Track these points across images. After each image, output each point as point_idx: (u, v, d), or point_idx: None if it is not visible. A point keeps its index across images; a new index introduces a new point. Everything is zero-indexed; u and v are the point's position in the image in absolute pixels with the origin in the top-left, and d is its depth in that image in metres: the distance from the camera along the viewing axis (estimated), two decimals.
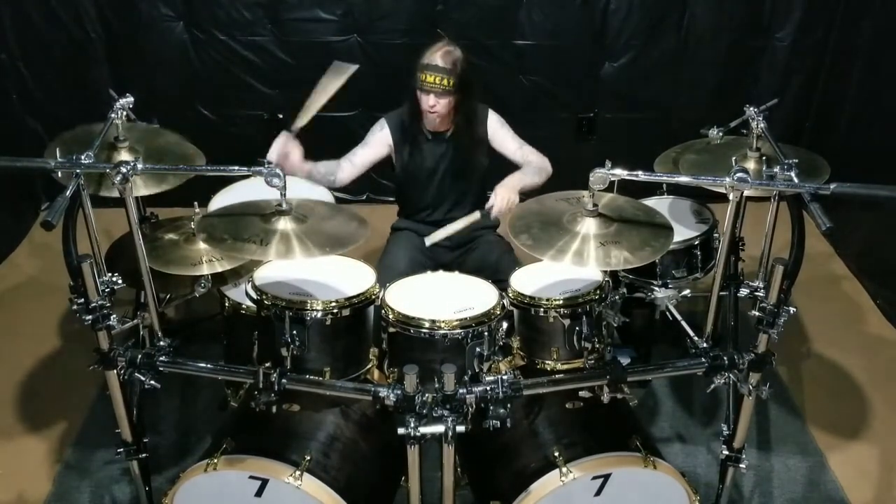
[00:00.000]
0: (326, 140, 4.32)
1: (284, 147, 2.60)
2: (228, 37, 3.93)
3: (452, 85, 2.60)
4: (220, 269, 2.49)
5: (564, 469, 1.96)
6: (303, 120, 2.55)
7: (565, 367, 2.19)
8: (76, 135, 2.46)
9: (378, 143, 2.83)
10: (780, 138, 2.38)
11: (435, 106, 2.64)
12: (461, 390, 1.84)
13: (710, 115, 2.74)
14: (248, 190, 2.37)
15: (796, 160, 1.96)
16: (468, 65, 2.67)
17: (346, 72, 2.53)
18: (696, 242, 2.69)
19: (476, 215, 2.62)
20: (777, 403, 2.92)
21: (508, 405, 1.86)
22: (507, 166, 2.96)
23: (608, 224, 2.04)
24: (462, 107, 2.72)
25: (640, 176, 1.91)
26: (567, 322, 2.13)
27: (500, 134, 2.87)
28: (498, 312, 2.12)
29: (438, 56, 2.60)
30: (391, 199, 3.18)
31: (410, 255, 2.81)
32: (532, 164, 2.83)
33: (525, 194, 2.58)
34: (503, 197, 2.62)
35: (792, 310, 1.96)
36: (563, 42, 4.00)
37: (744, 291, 2.38)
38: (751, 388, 2.03)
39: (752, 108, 2.52)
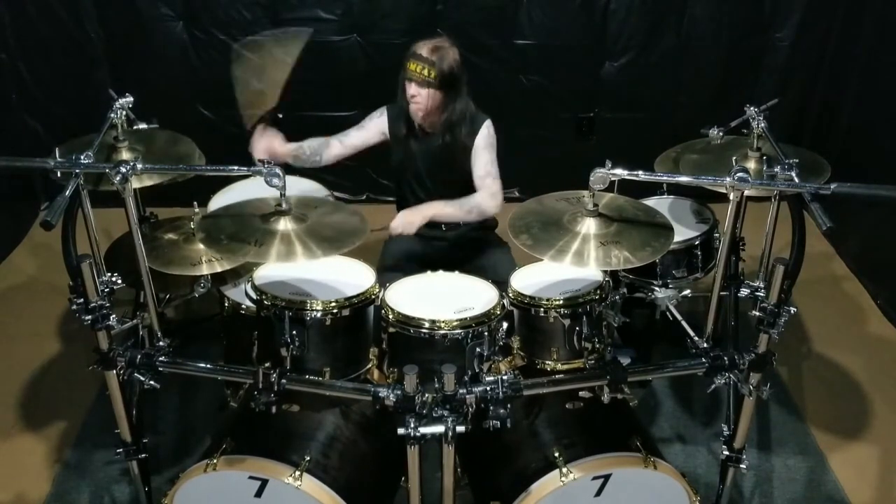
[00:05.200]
0: None
1: (266, 142, 2.62)
2: (228, 37, 3.92)
3: (434, 77, 2.56)
4: (219, 269, 2.49)
5: (565, 469, 1.96)
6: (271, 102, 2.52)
7: (565, 367, 2.19)
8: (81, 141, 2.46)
9: (374, 127, 2.80)
10: (780, 138, 2.38)
11: (415, 96, 2.61)
12: (461, 390, 1.84)
13: (710, 115, 2.74)
14: (247, 190, 2.37)
15: (797, 160, 1.96)
16: (460, 67, 2.62)
17: (301, 39, 2.48)
18: (697, 242, 2.69)
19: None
20: (777, 404, 2.91)
21: (508, 405, 1.86)
22: (503, 165, 2.95)
23: (608, 224, 2.04)
24: (448, 107, 2.66)
25: (640, 176, 1.91)
26: (567, 322, 2.13)
27: (479, 153, 2.72)
28: (498, 312, 2.11)
29: (426, 48, 2.58)
30: (391, 198, 3.18)
31: (409, 259, 2.80)
32: (471, 201, 2.69)
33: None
34: (402, 221, 2.64)
35: (792, 310, 1.96)
36: (563, 42, 4.00)
37: (744, 291, 2.38)
38: (751, 388, 2.03)
39: (752, 108, 2.51)
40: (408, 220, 2.65)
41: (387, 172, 2.98)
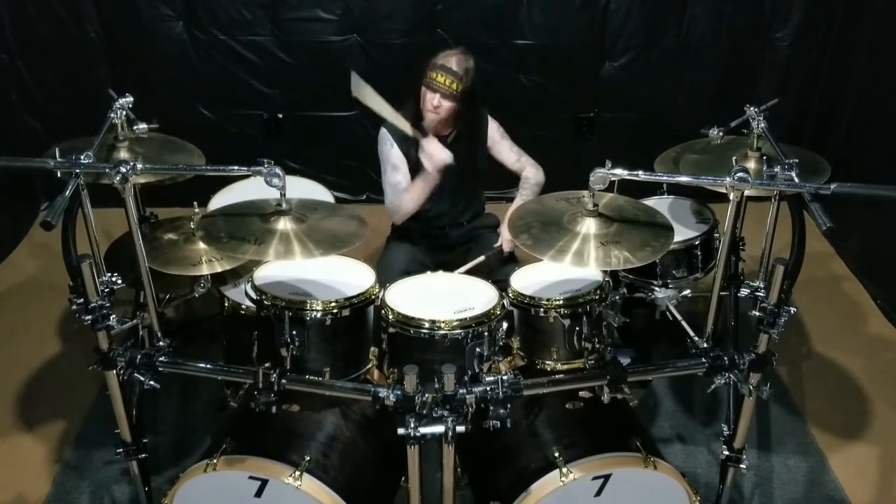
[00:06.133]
0: (326, 140, 4.34)
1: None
2: (228, 37, 3.93)
3: (459, 91, 2.59)
4: (219, 269, 2.49)
5: (564, 469, 1.96)
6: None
7: (565, 367, 2.19)
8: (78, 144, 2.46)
9: (399, 157, 2.77)
10: (780, 138, 2.38)
11: (439, 107, 2.63)
12: (461, 390, 1.84)
13: (710, 115, 2.74)
14: (247, 190, 2.37)
15: (797, 160, 1.96)
16: (478, 78, 2.67)
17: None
18: (697, 242, 2.68)
19: (481, 258, 2.75)
20: (777, 403, 2.91)
21: (508, 405, 1.86)
22: (504, 171, 2.95)
23: (608, 224, 2.03)
24: (464, 116, 2.71)
25: (640, 176, 1.91)
26: (567, 322, 2.13)
27: (498, 145, 2.90)
28: (498, 312, 2.11)
29: (454, 60, 2.60)
30: None
31: (409, 257, 2.80)
32: (529, 182, 2.92)
33: None
34: (509, 239, 2.77)
35: (792, 310, 1.96)
36: (563, 42, 4.00)
37: (744, 291, 2.38)
38: (751, 388, 2.03)
39: (752, 108, 2.51)
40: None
41: None
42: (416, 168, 2.78)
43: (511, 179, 2.91)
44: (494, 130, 2.88)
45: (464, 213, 2.92)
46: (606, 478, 2.00)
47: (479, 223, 2.97)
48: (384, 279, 2.28)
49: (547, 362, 2.20)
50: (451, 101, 2.62)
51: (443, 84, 2.58)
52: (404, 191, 2.77)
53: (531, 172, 2.94)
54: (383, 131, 2.77)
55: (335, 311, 2.06)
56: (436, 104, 2.62)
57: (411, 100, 2.72)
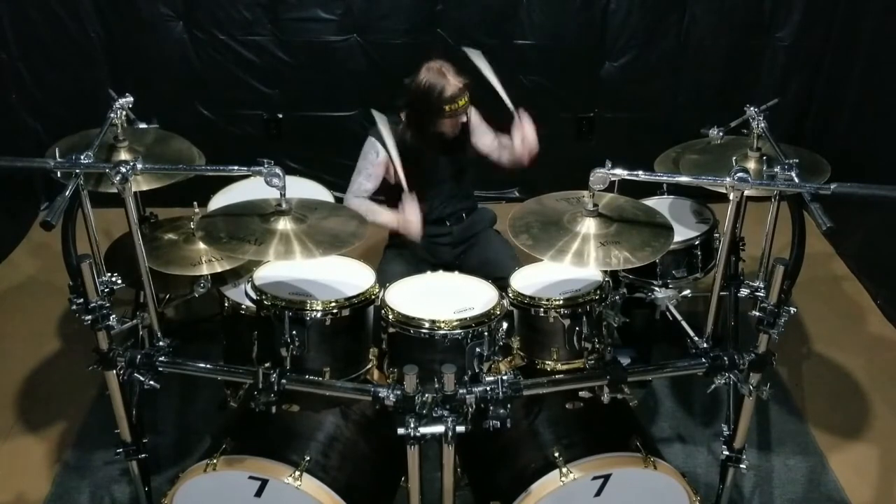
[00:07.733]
0: (326, 140, 4.34)
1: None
2: (228, 37, 3.92)
3: (469, 96, 2.63)
4: (219, 270, 2.49)
5: (564, 469, 1.96)
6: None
7: (565, 367, 2.19)
8: (76, 140, 2.46)
9: (380, 168, 2.75)
10: (780, 138, 2.38)
11: (467, 120, 2.71)
12: (461, 390, 1.84)
13: (710, 115, 2.74)
14: (247, 190, 2.37)
15: (797, 160, 1.96)
16: None
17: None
18: (697, 242, 2.68)
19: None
20: (777, 403, 2.91)
21: (508, 405, 1.86)
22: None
23: (608, 224, 2.04)
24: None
25: (640, 176, 1.91)
26: (567, 322, 2.13)
27: (480, 128, 2.88)
28: (498, 312, 2.11)
29: (454, 81, 2.57)
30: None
31: (408, 268, 2.78)
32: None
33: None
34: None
35: (792, 310, 1.96)
36: (563, 42, 4.00)
37: (744, 291, 2.38)
38: (751, 388, 2.03)
39: (752, 108, 2.51)
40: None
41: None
42: (414, 175, 2.72)
43: (511, 179, 2.91)
44: (474, 114, 2.86)
45: (462, 205, 2.92)
46: (606, 478, 2.00)
47: (478, 217, 2.97)
48: (388, 278, 2.28)
49: (547, 362, 2.20)
50: (468, 105, 2.67)
51: (465, 104, 2.61)
52: (367, 203, 2.75)
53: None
54: (371, 139, 2.75)
55: (335, 311, 2.06)
56: (464, 120, 2.69)
57: (412, 125, 2.70)
